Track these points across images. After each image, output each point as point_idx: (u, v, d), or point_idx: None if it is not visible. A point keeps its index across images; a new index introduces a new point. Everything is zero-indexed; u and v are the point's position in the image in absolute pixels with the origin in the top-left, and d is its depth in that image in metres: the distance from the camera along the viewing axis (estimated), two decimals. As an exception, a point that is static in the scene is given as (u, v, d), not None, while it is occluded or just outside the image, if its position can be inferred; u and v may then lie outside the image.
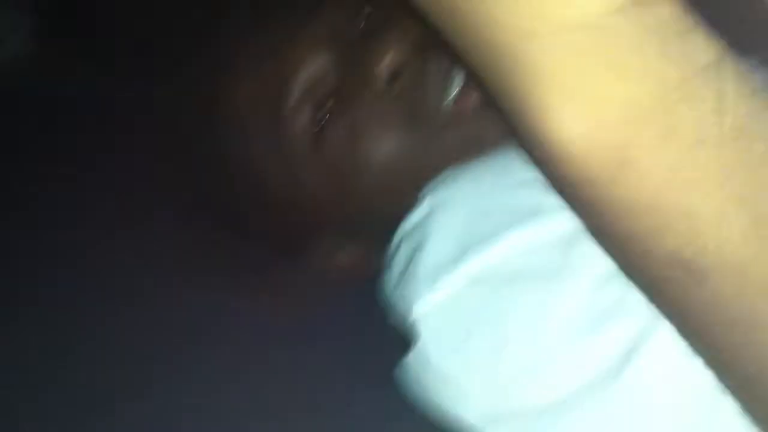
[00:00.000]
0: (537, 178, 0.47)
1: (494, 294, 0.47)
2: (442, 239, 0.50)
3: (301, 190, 0.60)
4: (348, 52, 0.58)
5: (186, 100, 0.63)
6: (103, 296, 0.58)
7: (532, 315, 0.46)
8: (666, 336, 0.42)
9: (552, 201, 0.45)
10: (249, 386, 0.53)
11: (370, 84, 0.58)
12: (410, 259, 0.51)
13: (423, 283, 0.49)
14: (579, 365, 0.45)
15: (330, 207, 0.61)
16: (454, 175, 0.52)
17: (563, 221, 0.45)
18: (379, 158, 0.58)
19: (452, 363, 0.48)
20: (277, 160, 0.60)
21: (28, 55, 0.73)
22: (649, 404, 0.44)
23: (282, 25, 0.59)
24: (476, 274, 0.47)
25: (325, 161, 0.59)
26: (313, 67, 0.58)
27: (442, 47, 0.51)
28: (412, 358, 0.49)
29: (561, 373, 0.45)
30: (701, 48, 0.33)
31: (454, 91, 0.57)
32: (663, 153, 0.33)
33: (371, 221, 0.58)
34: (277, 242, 0.62)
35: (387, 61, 0.57)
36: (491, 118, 0.57)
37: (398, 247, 0.53)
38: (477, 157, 0.54)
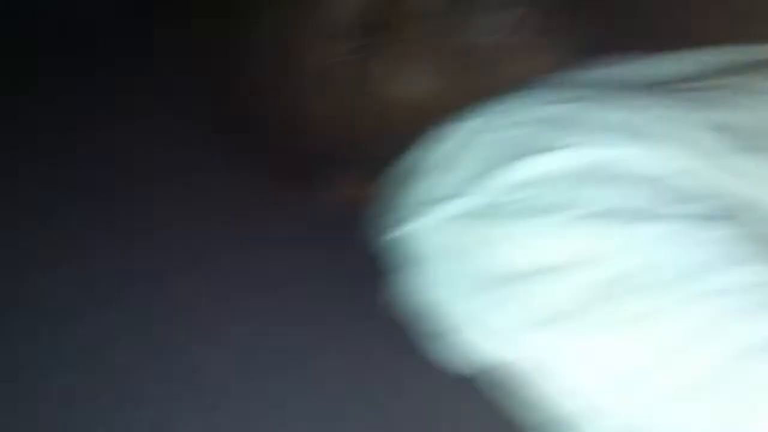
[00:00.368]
0: (555, 114, 0.49)
1: (482, 224, 0.48)
2: (447, 170, 0.51)
3: (342, 120, 0.61)
4: None
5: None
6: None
7: (519, 247, 0.47)
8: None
9: (564, 137, 0.47)
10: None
11: (408, 23, 0.58)
12: (409, 186, 0.52)
13: (413, 210, 0.51)
14: (563, 293, 0.45)
15: (352, 134, 0.61)
16: (471, 110, 0.53)
17: (568, 160, 0.47)
18: (415, 92, 0.59)
19: (441, 285, 0.49)
20: (317, 93, 0.60)
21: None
22: None
23: None
24: (469, 206, 0.49)
25: (361, 93, 0.59)
26: (346, 7, 0.59)
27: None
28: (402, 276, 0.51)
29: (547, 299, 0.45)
30: None
31: (500, 27, 0.57)
32: None
33: (387, 151, 0.58)
34: (287, 167, 0.63)
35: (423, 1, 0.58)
36: (541, 53, 0.58)
37: (403, 172, 0.54)
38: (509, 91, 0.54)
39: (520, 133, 0.49)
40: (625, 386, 0.43)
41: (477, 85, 0.57)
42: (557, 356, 0.45)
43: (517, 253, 0.46)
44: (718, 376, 0.41)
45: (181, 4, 0.69)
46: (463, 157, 0.50)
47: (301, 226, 0.60)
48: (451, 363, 0.48)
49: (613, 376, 0.43)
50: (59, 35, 0.70)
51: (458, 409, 0.47)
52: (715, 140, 0.48)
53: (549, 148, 0.48)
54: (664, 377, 0.42)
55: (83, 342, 0.49)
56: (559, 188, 0.47)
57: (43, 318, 0.50)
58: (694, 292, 0.42)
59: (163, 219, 0.59)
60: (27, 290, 0.52)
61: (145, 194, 0.60)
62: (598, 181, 0.46)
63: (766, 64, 0.57)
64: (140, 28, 0.70)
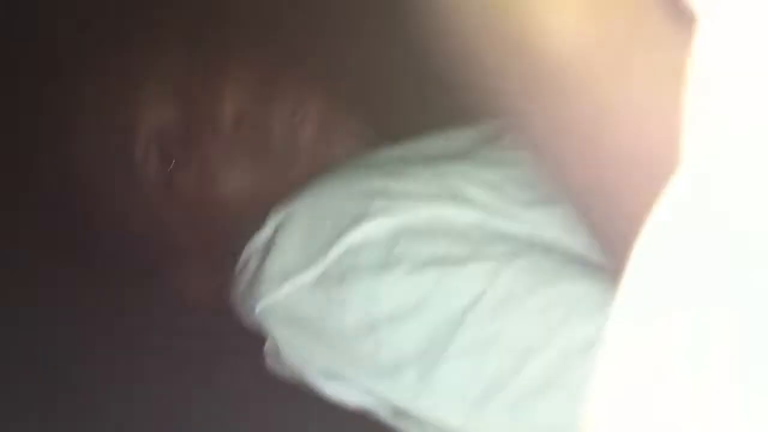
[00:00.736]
0: (367, 189, 0.58)
1: (331, 291, 0.56)
2: (286, 248, 0.58)
3: (158, 225, 0.66)
4: (188, 104, 0.64)
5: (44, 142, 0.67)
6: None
7: (363, 303, 0.54)
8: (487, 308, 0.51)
9: (376, 205, 0.56)
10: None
11: (216, 129, 0.64)
12: (258, 268, 0.59)
13: (268, 286, 0.57)
14: (406, 338, 0.53)
15: (186, 238, 0.67)
16: (297, 193, 0.60)
17: (385, 222, 0.56)
18: (230, 193, 0.65)
19: (295, 351, 0.57)
20: (134, 201, 0.65)
21: None
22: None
23: (122, 80, 0.65)
24: (316, 276, 0.56)
25: (179, 199, 0.65)
26: (155, 119, 0.64)
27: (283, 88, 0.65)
28: (268, 346, 0.59)
29: (394, 345, 0.53)
30: None
31: (298, 124, 0.65)
32: None
33: (226, 247, 0.64)
34: (138, 272, 0.66)
35: (228, 107, 0.64)
36: (336, 141, 0.67)
37: (248, 259, 0.61)
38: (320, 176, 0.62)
39: (339, 209, 0.58)
40: (478, 403, 0.51)
41: (290, 174, 0.64)
42: (414, 397, 0.53)
43: (362, 310, 0.54)
44: (552, 378, 0.50)
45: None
46: (296, 235, 0.58)
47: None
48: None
49: (464, 397, 0.52)
50: None
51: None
52: (489, 196, 0.58)
53: (366, 217, 0.56)
54: (510, 385, 0.50)
55: None
56: (383, 248, 0.55)
57: None
58: (523, 311, 0.51)
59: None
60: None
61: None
62: (411, 237, 0.55)
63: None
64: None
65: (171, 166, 0.64)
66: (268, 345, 0.58)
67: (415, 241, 0.55)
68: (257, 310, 0.58)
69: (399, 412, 0.54)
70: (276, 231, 0.59)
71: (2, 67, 0.68)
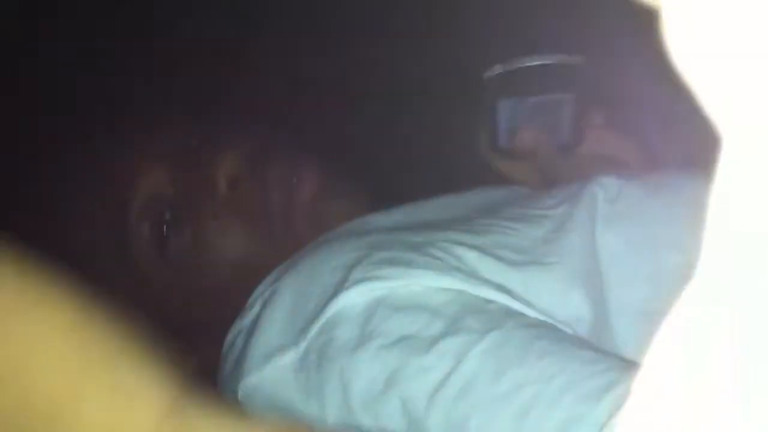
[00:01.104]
0: (349, 259, 0.57)
1: (310, 373, 0.54)
2: (270, 327, 0.56)
3: (151, 295, 0.64)
4: (183, 167, 0.64)
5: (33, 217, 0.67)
6: None
7: (339, 388, 0.52)
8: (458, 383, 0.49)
9: (354, 276, 0.55)
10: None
11: (211, 193, 0.64)
12: (243, 348, 0.57)
13: (251, 367, 0.56)
14: (384, 424, 0.51)
15: (180, 309, 0.65)
16: (279, 270, 0.59)
17: (361, 293, 0.54)
18: (225, 259, 0.64)
19: None
20: (126, 270, 0.64)
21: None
22: None
23: (116, 144, 0.65)
24: (297, 357, 0.54)
25: (172, 266, 0.64)
26: (149, 183, 0.63)
27: (280, 154, 0.64)
28: None
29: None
30: None
31: (294, 190, 0.65)
32: None
33: (222, 319, 0.62)
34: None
35: (223, 172, 0.64)
36: (333, 210, 0.66)
37: (234, 338, 0.59)
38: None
39: (321, 283, 0.56)
40: None
41: (283, 242, 0.64)
42: None
43: (339, 396, 0.52)
44: None
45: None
46: (280, 313, 0.56)
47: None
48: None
49: None
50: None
51: None
52: (478, 259, 0.56)
53: (342, 289, 0.54)
54: None
55: None
56: (357, 324, 0.53)
57: None
58: (488, 396, 0.49)
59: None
60: None
61: None
62: (386, 311, 0.53)
63: (507, 202, 0.67)
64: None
65: (165, 232, 0.63)
66: None
67: (389, 316, 0.53)
68: (239, 393, 0.56)
69: None
70: (262, 308, 0.58)
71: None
